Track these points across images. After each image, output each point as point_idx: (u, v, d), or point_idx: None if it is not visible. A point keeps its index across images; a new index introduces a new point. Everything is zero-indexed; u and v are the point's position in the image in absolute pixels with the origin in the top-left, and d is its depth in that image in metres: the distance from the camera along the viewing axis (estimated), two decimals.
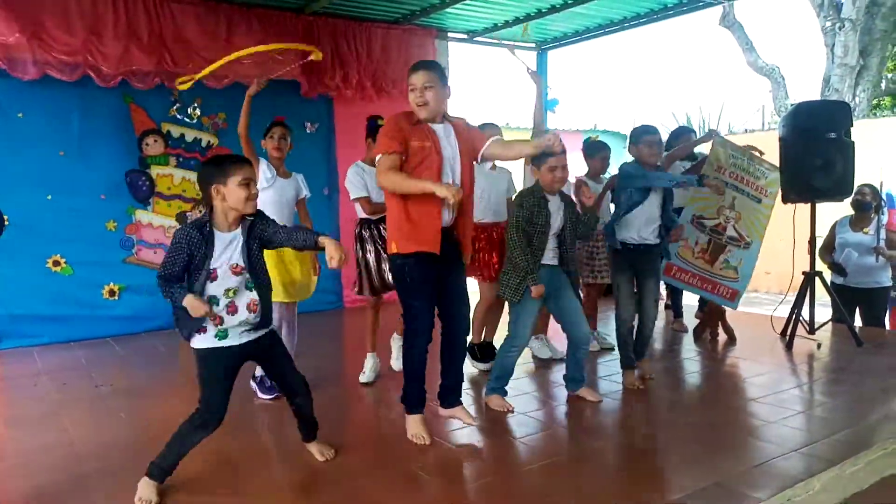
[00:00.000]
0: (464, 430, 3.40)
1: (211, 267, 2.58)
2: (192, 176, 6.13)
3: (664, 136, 4.60)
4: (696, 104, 24.16)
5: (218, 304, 2.62)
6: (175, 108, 6.08)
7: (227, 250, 2.62)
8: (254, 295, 2.68)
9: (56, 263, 5.60)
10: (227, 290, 2.62)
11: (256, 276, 2.69)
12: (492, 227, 4.34)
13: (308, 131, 6.73)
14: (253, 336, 2.74)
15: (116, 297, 5.82)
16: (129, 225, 5.91)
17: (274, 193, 3.80)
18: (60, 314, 5.55)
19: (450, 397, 3.37)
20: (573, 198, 3.92)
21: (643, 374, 4.24)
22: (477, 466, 3.06)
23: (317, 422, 3.06)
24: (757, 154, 5.13)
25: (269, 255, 3.74)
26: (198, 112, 6.15)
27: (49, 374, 4.63)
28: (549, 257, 3.72)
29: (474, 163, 3.27)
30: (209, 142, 6.23)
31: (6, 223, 5.39)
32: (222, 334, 2.66)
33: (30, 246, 5.46)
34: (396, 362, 4.37)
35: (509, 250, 3.68)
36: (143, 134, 5.95)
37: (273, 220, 2.77)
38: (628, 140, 4.20)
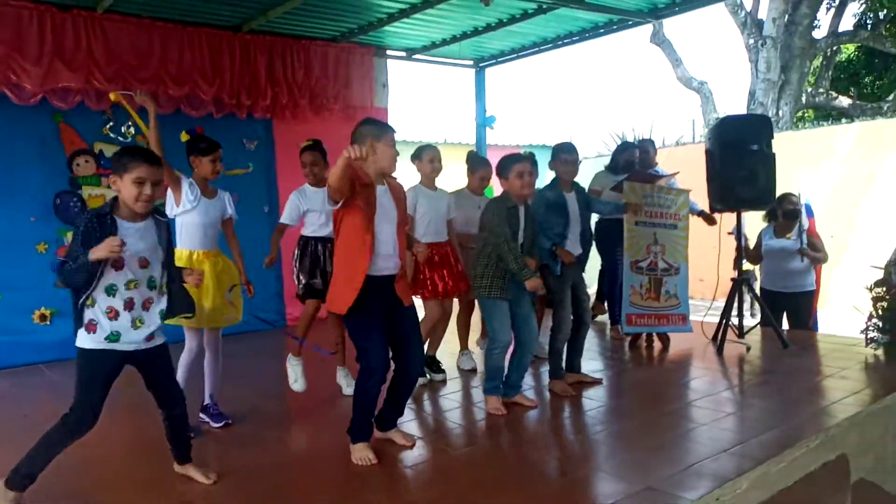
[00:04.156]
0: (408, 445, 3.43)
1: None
2: None
3: (607, 152, 4.79)
4: (629, 119, 24.94)
5: (114, 296, 2.60)
6: (108, 126, 5.95)
7: (133, 240, 2.58)
8: (153, 294, 2.69)
9: None
10: (129, 283, 2.62)
11: (166, 274, 2.74)
12: (435, 247, 4.36)
13: (247, 148, 6.67)
14: (144, 345, 2.70)
15: (48, 322, 5.63)
16: (61, 247, 5.72)
17: (198, 215, 3.66)
18: None
19: (387, 423, 3.46)
20: None
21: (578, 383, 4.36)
22: (414, 481, 3.09)
23: (190, 442, 3.02)
24: (661, 184, 5.46)
25: None
26: (132, 130, 6.03)
27: None
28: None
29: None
30: None
31: None
32: (114, 336, 2.62)
33: None
34: (296, 384, 4.18)
35: (502, 260, 3.76)
36: (73, 154, 5.79)
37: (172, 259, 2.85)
38: (550, 156, 4.34)
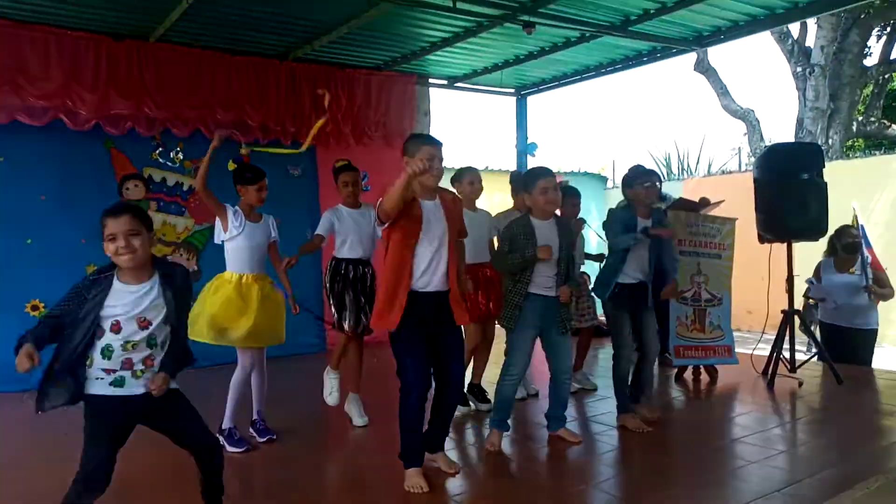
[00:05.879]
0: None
1: (114, 317, 2.41)
2: (173, 220, 6.16)
3: None
4: (673, 144, 24.76)
5: (110, 358, 2.43)
6: (157, 151, 6.11)
7: (133, 302, 2.45)
8: (153, 352, 2.50)
9: (35, 308, 5.53)
10: (127, 344, 2.45)
11: (168, 331, 2.53)
12: (476, 269, 4.32)
13: (292, 174, 6.77)
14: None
15: None
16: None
17: (244, 239, 3.78)
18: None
19: (433, 444, 3.41)
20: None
21: (647, 417, 4.12)
22: None
23: (223, 488, 2.76)
24: (706, 213, 5.32)
25: (220, 297, 3.66)
26: (180, 156, 6.18)
27: (21, 423, 4.52)
28: (545, 286, 3.65)
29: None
30: (190, 186, 6.24)
31: None
32: (119, 381, 2.45)
33: (8, 290, 5.40)
34: (330, 397, 4.26)
35: (504, 275, 3.75)
36: (123, 179, 5.96)
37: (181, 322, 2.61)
38: (622, 184, 4.23)
